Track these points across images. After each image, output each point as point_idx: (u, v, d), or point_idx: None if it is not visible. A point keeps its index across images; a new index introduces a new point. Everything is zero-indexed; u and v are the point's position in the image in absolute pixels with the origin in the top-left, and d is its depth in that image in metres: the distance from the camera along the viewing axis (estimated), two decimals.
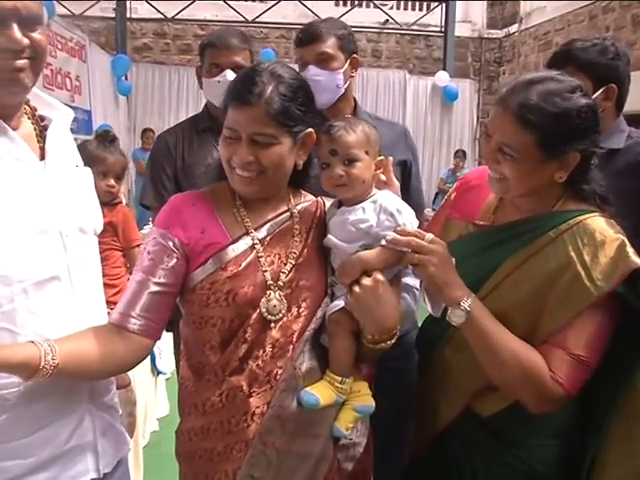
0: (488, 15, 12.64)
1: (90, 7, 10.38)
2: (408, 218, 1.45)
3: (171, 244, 1.43)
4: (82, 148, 2.99)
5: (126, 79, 9.84)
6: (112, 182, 2.89)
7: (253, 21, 11.00)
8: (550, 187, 1.47)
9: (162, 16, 10.80)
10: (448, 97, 11.01)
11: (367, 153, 1.46)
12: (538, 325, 1.44)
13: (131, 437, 2.86)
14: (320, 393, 1.41)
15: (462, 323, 1.41)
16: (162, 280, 1.42)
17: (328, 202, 1.58)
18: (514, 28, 11.94)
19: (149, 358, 3.51)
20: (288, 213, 1.51)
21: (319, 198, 1.60)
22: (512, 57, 12.04)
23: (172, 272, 1.42)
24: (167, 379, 4.13)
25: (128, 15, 10.34)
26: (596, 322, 1.40)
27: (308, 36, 2.19)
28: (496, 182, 1.49)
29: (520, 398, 1.45)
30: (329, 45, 2.19)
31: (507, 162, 1.43)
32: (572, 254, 1.41)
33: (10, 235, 1.27)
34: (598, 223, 1.44)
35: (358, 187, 1.45)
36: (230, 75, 2.32)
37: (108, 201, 2.90)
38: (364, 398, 1.48)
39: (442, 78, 10.71)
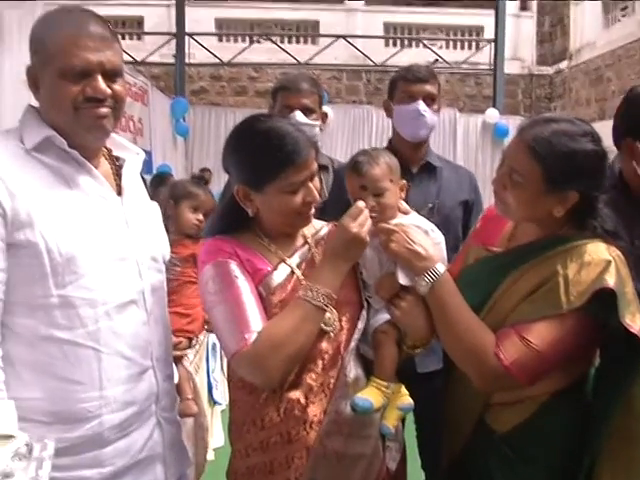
0: (538, 52, 12.67)
1: (151, 54, 10.88)
2: (440, 237, 1.65)
3: (233, 261, 1.53)
4: (179, 184, 3.26)
5: (184, 121, 10.17)
6: (201, 217, 2.98)
7: (305, 63, 11.31)
8: (552, 217, 1.55)
9: (218, 60, 11.21)
10: (498, 134, 10.99)
11: (391, 181, 1.62)
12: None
13: (204, 461, 3.01)
14: (372, 398, 1.53)
15: (426, 293, 1.53)
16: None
17: None
18: (564, 64, 11.92)
19: (206, 388, 3.62)
20: (306, 242, 1.65)
21: (331, 223, 1.71)
22: (563, 93, 11.99)
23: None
24: (222, 410, 4.22)
25: (186, 61, 10.74)
26: (560, 329, 1.46)
27: (423, 75, 2.41)
28: (500, 204, 1.60)
29: (465, 371, 1.54)
30: (436, 88, 2.44)
31: (513, 188, 1.54)
32: (558, 267, 1.48)
33: (96, 263, 1.43)
34: (593, 247, 1.50)
35: (388, 212, 1.62)
36: (299, 116, 2.45)
37: (193, 234, 2.98)
38: (404, 398, 1.61)
39: (492, 115, 10.73)
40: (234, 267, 1.53)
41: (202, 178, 3.26)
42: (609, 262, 1.47)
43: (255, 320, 1.47)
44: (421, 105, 2.38)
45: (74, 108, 1.41)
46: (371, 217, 1.56)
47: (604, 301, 1.43)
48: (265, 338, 1.44)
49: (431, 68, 2.51)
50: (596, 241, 1.52)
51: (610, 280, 1.44)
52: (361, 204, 1.54)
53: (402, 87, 2.44)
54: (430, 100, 2.41)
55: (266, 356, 1.44)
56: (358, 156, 1.65)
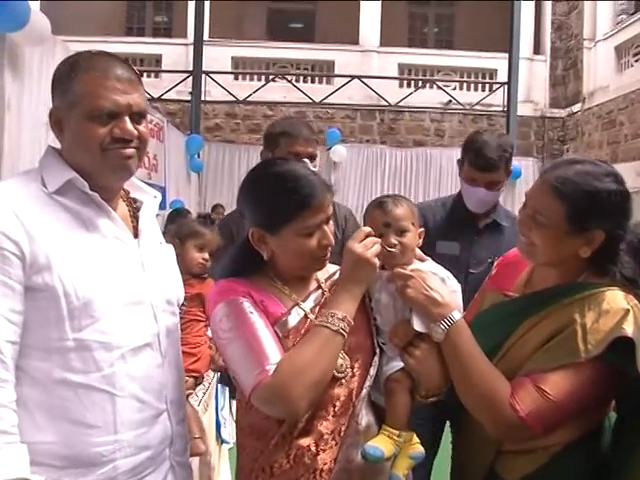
0: (550, 95, 12.78)
1: (168, 91, 11.07)
2: (456, 285, 1.65)
3: (247, 299, 1.53)
4: (185, 223, 3.28)
5: (198, 157, 10.27)
6: (207, 256, 3.01)
7: (320, 102, 11.45)
8: (575, 261, 1.56)
9: (234, 98, 11.38)
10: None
11: (413, 224, 1.63)
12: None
13: None
14: (383, 446, 1.51)
15: (442, 340, 1.52)
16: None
17: None
18: (577, 107, 12.01)
19: (214, 427, 3.59)
20: (320, 286, 1.64)
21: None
22: (575, 135, 12.06)
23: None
24: (229, 449, 4.18)
25: (202, 98, 10.90)
26: (577, 378, 1.45)
27: (490, 164, 2.45)
28: (525, 247, 1.60)
29: (479, 419, 1.52)
30: (501, 174, 2.48)
31: (538, 229, 1.54)
32: (576, 316, 1.48)
33: (112, 306, 1.43)
34: (612, 295, 1.50)
35: (408, 254, 1.62)
36: (309, 164, 2.47)
37: (199, 273, 3.01)
38: (416, 446, 1.58)
39: None
40: (247, 304, 1.51)
41: (208, 217, 3.29)
42: (627, 311, 1.46)
43: (273, 352, 1.45)
44: (481, 193, 2.45)
45: (101, 149, 1.43)
46: (390, 252, 1.57)
47: (622, 350, 1.42)
48: (286, 367, 1.41)
49: (506, 147, 2.48)
50: (614, 289, 1.51)
51: (628, 329, 1.43)
52: (366, 229, 1.56)
53: (468, 168, 2.50)
54: (495, 184, 2.46)
55: (289, 385, 1.39)
56: (382, 197, 1.68)
